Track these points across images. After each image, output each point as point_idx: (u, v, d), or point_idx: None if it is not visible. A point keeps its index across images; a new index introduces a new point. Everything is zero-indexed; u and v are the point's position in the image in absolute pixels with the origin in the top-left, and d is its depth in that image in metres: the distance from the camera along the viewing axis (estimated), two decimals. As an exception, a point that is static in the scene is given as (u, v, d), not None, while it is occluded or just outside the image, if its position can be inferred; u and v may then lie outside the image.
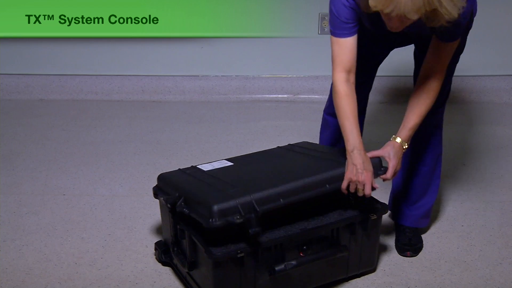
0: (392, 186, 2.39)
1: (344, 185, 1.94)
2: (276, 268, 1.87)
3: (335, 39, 1.91)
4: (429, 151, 2.26)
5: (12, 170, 2.94)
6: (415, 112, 1.98)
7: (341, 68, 1.92)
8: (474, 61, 3.84)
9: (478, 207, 2.59)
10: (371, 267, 2.15)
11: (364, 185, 1.91)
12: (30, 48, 3.92)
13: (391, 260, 2.24)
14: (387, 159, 1.97)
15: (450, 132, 3.36)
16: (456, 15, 1.68)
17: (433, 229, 2.43)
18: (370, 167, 1.93)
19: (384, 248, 2.29)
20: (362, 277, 2.14)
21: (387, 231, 2.39)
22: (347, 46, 1.91)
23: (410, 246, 2.27)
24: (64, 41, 3.88)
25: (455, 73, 4.04)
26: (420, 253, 2.27)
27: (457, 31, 1.92)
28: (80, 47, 3.89)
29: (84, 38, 3.86)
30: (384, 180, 1.99)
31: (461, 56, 3.97)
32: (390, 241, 2.34)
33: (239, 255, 1.81)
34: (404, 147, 1.98)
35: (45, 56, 3.94)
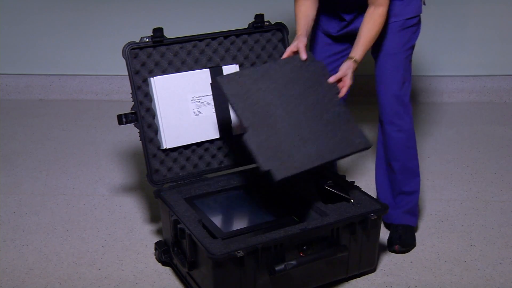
0: (376, 189, 2.43)
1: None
2: (276, 268, 1.87)
3: None
4: (400, 148, 2.31)
5: (12, 170, 2.94)
6: (366, 35, 2.12)
7: (301, 17, 2.20)
8: (474, 61, 3.85)
9: (478, 207, 2.59)
10: (371, 267, 2.15)
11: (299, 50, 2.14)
12: (30, 48, 3.93)
13: (391, 260, 2.24)
14: (342, 77, 2.11)
15: (450, 132, 3.36)
16: None
17: (433, 229, 2.43)
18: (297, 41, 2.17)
19: (384, 248, 2.29)
20: (362, 277, 2.14)
21: (387, 231, 2.39)
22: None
23: (400, 241, 2.29)
24: (64, 41, 3.89)
25: (455, 73, 4.04)
26: (420, 253, 2.27)
27: None
28: (80, 47, 3.90)
29: (84, 38, 3.87)
30: (338, 94, 2.12)
31: (461, 55, 3.97)
32: (390, 241, 2.35)
33: (239, 255, 1.81)
34: (357, 63, 2.14)
35: (45, 56, 3.94)
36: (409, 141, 2.30)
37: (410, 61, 2.28)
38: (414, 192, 2.36)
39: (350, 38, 2.28)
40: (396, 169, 2.32)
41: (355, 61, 2.12)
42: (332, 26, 2.31)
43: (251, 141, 1.92)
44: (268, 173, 1.89)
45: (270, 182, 1.96)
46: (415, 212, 2.37)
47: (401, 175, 2.33)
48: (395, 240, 2.29)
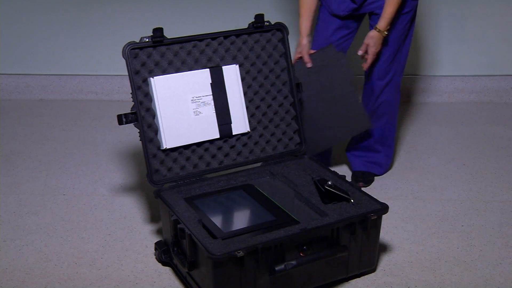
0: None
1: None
2: (276, 268, 1.87)
3: None
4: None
5: (12, 170, 2.94)
6: (389, 3, 2.39)
7: (304, 8, 2.50)
8: (474, 61, 3.85)
9: (478, 207, 2.59)
10: (371, 267, 2.15)
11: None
12: (30, 48, 3.93)
13: (391, 260, 2.24)
14: (368, 48, 2.47)
15: (450, 132, 3.36)
16: None
17: (433, 229, 2.43)
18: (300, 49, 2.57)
19: (384, 248, 2.30)
20: (362, 277, 2.14)
21: (387, 231, 2.39)
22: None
23: (363, 178, 2.72)
24: (64, 41, 3.89)
25: (456, 73, 4.05)
26: (420, 253, 2.27)
27: None
28: (80, 47, 3.90)
29: (84, 38, 3.87)
30: (364, 64, 2.51)
31: (461, 55, 3.98)
32: (390, 241, 2.35)
33: (239, 255, 1.81)
34: (383, 34, 2.44)
35: (45, 56, 3.94)
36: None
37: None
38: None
39: (358, 19, 2.58)
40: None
41: (379, 30, 2.42)
42: (342, 9, 2.50)
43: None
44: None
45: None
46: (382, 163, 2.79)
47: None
48: (358, 176, 2.73)
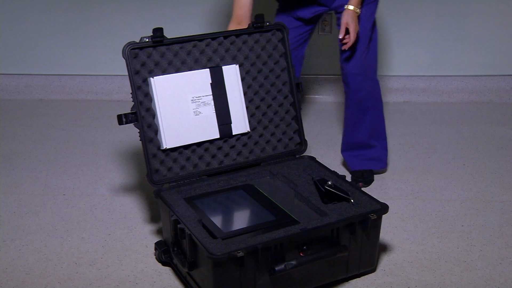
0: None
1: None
2: (276, 268, 1.87)
3: None
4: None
5: (12, 170, 2.94)
6: None
7: (235, 20, 2.45)
8: (474, 61, 3.85)
9: (478, 207, 2.59)
10: (371, 267, 2.15)
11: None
12: (30, 48, 3.93)
13: (391, 260, 2.24)
14: (348, 26, 2.42)
15: (450, 132, 3.36)
16: None
17: (433, 229, 2.43)
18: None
19: (384, 248, 2.30)
20: (362, 277, 2.14)
21: (387, 231, 2.39)
22: (241, 4, 2.42)
23: (362, 178, 2.73)
24: (64, 41, 3.89)
25: (456, 73, 4.05)
26: (420, 253, 2.27)
27: None
28: (80, 47, 3.90)
29: (84, 38, 3.88)
30: (346, 45, 2.44)
31: (461, 55, 3.97)
32: (390, 241, 2.35)
33: (239, 255, 1.81)
34: (356, 11, 2.44)
35: (45, 56, 3.94)
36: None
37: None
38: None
39: (317, 18, 2.65)
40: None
41: (353, 9, 2.43)
42: (311, 12, 2.57)
43: None
44: None
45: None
46: (379, 157, 2.78)
47: None
48: (358, 177, 2.75)
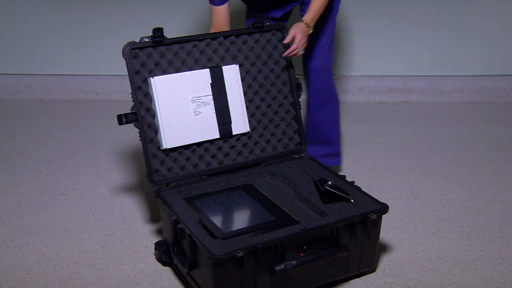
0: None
1: None
2: (276, 268, 1.87)
3: (210, 5, 2.46)
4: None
5: (12, 170, 2.94)
6: (316, 4, 2.35)
7: (213, 29, 2.45)
8: (474, 61, 3.85)
9: (478, 207, 2.59)
10: (371, 267, 2.15)
11: None
12: (30, 48, 3.93)
13: (391, 260, 2.24)
14: (295, 36, 2.30)
15: (450, 132, 3.36)
16: None
17: (433, 229, 2.43)
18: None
19: (384, 248, 2.30)
20: (362, 277, 2.14)
21: (387, 231, 2.39)
22: (219, 13, 2.44)
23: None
24: (64, 41, 3.89)
25: (456, 73, 4.05)
26: (420, 253, 2.27)
27: None
28: (80, 47, 3.90)
29: (84, 38, 3.87)
30: (290, 53, 2.31)
31: (461, 55, 3.97)
32: (390, 241, 2.35)
33: (239, 255, 1.81)
34: (308, 29, 2.34)
35: (45, 56, 3.94)
36: None
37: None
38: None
39: (288, 15, 2.61)
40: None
41: (305, 23, 2.33)
42: (276, 12, 2.53)
43: None
44: None
45: None
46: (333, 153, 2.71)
47: None
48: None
